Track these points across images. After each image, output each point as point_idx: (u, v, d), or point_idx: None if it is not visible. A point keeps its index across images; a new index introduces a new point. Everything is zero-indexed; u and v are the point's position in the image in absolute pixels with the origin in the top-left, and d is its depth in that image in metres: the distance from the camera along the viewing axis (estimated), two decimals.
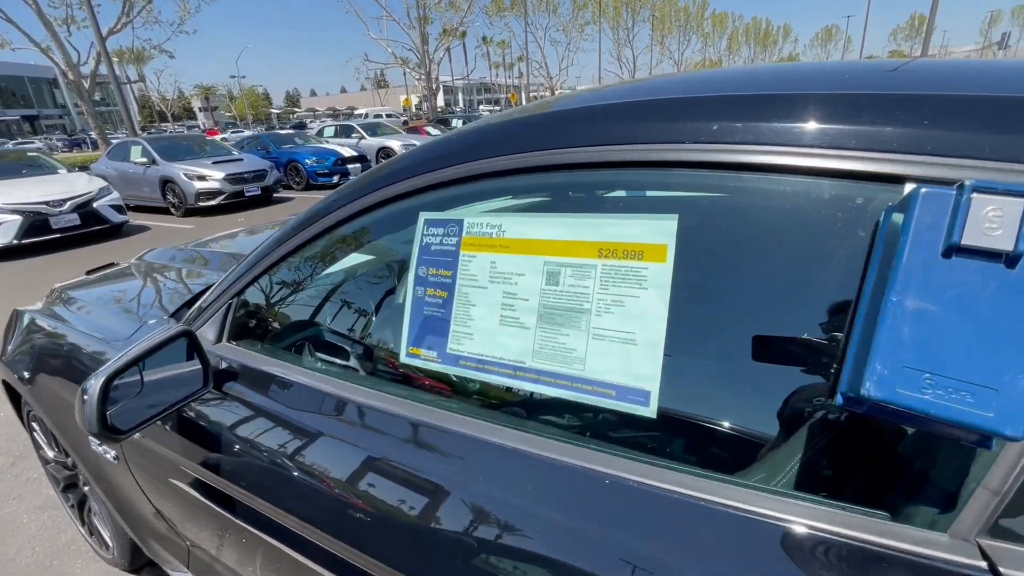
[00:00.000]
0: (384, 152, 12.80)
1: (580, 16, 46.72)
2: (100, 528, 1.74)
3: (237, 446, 0.93)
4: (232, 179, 8.92)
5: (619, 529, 0.57)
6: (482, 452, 0.69)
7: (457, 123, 19.77)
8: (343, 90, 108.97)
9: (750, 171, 0.56)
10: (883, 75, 0.61)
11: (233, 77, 60.97)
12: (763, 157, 0.55)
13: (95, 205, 7.21)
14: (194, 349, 0.96)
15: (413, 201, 0.82)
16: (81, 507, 1.83)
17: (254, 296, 1.11)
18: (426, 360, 0.79)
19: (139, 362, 0.88)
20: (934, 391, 0.39)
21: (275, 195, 10.03)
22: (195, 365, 0.95)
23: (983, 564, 0.42)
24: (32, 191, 6.83)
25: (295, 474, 0.84)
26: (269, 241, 1.01)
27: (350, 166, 11.22)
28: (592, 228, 0.66)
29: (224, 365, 1.02)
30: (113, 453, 1.24)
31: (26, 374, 1.46)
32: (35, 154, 8.45)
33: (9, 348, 1.61)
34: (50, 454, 1.83)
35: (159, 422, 0.96)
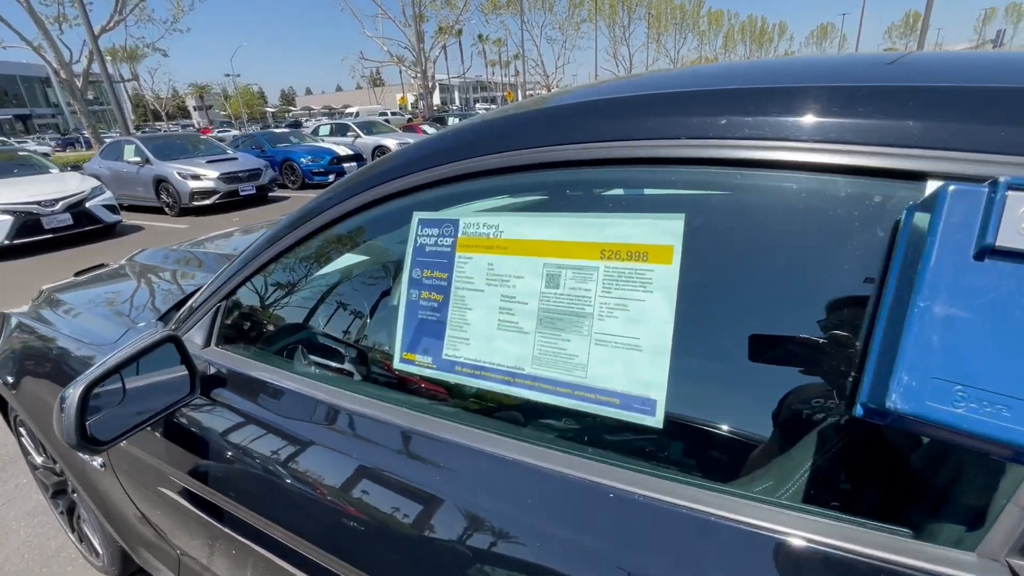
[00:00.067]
0: (380, 151, 12.80)
1: (576, 14, 46.68)
2: (90, 535, 1.71)
3: (226, 454, 0.90)
4: (227, 178, 8.84)
5: (624, 545, 0.54)
6: (478, 462, 0.66)
7: (453, 121, 19.77)
8: (339, 88, 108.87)
9: (761, 168, 0.54)
10: (901, 68, 0.58)
11: (228, 75, 60.64)
12: (774, 153, 0.52)
13: (88, 205, 7.13)
14: (180, 354, 0.92)
15: (407, 200, 0.79)
16: (70, 513, 1.79)
17: (243, 299, 1.07)
18: (420, 366, 0.76)
19: (121, 369, 0.84)
20: (967, 404, 0.36)
21: (270, 194, 9.96)
22: (182, 371, 0.92)
23: None
24: (23, 191, 6.75)
25: (285, 483, 0.81)
26: (259, 242, 0.98)
27: (346, 165, 11.18)
28: (594, 228, 0.62)
29: (212, 371, 0.99)
30: (100, 460, 1.20)
31: (11, 379, 1.43)
32: (26, 153, 8.35)
33: None
34: (38, 460, 1.79)
35: (145, 430, 0.93)
